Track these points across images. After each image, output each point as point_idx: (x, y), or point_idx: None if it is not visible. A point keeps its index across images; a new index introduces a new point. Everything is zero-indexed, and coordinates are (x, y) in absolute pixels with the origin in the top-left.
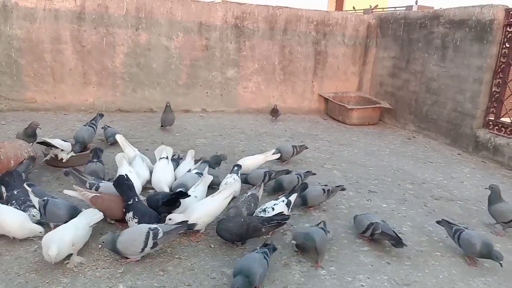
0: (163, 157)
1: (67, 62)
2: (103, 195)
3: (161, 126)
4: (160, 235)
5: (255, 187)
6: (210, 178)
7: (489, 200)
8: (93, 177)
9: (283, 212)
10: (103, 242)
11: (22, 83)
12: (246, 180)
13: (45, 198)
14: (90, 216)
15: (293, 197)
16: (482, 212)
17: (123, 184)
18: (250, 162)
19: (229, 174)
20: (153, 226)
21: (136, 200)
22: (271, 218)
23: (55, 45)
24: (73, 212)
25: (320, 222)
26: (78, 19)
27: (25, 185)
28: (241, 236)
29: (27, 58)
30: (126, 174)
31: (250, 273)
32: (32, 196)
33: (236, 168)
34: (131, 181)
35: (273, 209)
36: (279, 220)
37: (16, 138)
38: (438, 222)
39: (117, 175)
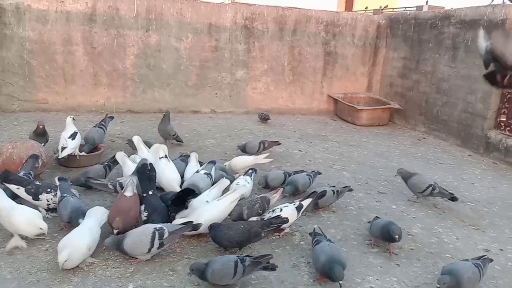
0: (162, 156)
1: (78, 64)
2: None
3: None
4: (166, 235)
5: (274, 191)
6: (227, 182)
7: (403, 179)
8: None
9: (280, 215)
10: (106, 245)
11: (34, 84)
12: (267, 184)
13: (65, 194)
14: (100, 216)
15: (306, 202)
16: (493, 213)
17: (144, 173)
18: (238, 161)
19: (242, 176)
20: (159, 226)
21: (151, 193)
22: (270, 222)
23: (67, 46)
24: (74, 215)
25: (314, 229)
26: (89, 20)
27: (56, 178)
28: (241, 243)
29: (39, 60)
30: (150, 163)
31: (204, 267)
32: (58, 190)
33: (250, 171)
34: (154, 172)
35: (281, 210)
36: (278, 223)
37: (28, 138)
38: None
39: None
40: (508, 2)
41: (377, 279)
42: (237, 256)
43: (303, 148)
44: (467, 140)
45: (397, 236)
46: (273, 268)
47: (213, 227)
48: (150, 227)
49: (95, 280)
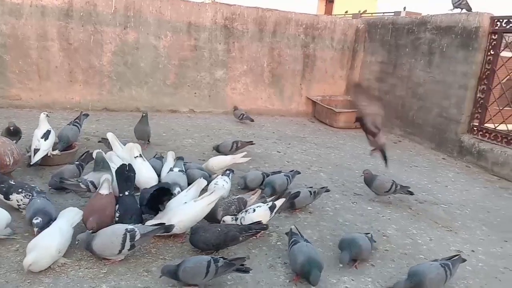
0: (137, 156)
1: (53, 60)
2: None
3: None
4: (138, 237)
5: (252, 192)
6: (204, 183)
7: (367, 182)
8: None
9: (261, 220)
10: (78, 240)
11: (7, 79)
12: (246, 185)
13: (34, 196)
14: (72, 217)
15: (279, 202)
16: (465, 215)
17: (122, 173)
18: (215, 162)
19: (220, 176)
20: (130, 227)
21: (127, 194)
22: (249, 227)
23: (41, 42)
24: (34, 216)
25: (290, 229)
26: (65, 16)
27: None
28: (218, 246)
29: (12, 55)
30: (129, 164)
31: (176, 268)
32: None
33: (228, 171)
34: (133, 172)
35: (254, 210)
36: (257, 229)
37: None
38: None
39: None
40: (458, 10)
41: (352, 280)
42: (211, 257)
43: (282, 149)
44: (441, 144)
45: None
46: (246, 270)
47: (195, 230)
48: (121, 227)
49: (67, 281)
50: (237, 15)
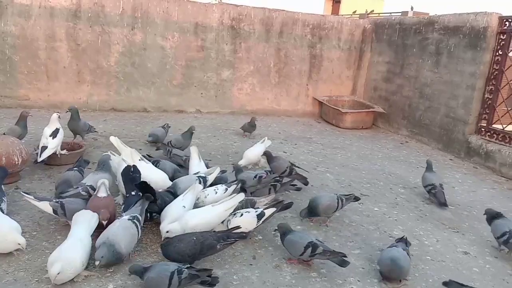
0: (139, 159)
1: (62, 60)
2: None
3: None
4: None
5: (265, 195)
6: (200, 187)
7: (311, 209)
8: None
9: (240, 226)
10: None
11: (16, 80)
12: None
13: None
14: (89, 223)
15: (269, 211)
16: (472, 217)
17: (127, 175)
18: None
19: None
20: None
21: (133, 194)
22: (228, 235)
23: (50, 42)
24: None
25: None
26: (73, 17)
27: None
28: (194, 256)
29: (21, 55)
30: (134, 165)
31: (143, 270)
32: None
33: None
34: (137, 173)
35: (241, 215)
36: (236, 238)
37: (5, 134)
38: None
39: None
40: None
41: (359, 280)
42: (177, 266)
43: (288, 149)
44: (448, 145)
45: None
46: (211, 284)
47: (167, 242)
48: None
49: (74, 279)
50: (244, 15)
